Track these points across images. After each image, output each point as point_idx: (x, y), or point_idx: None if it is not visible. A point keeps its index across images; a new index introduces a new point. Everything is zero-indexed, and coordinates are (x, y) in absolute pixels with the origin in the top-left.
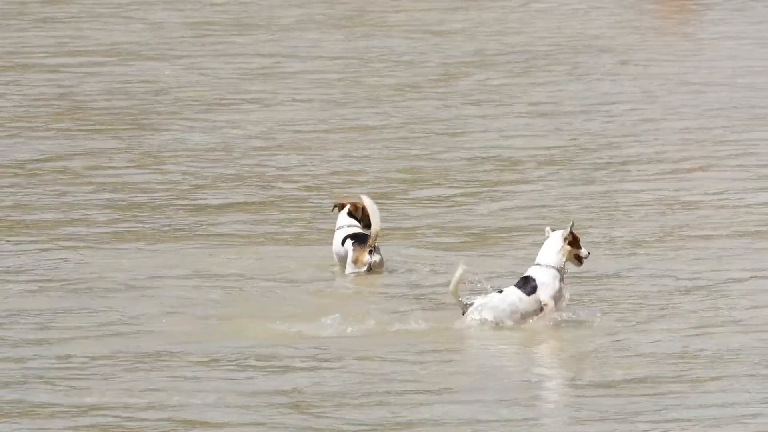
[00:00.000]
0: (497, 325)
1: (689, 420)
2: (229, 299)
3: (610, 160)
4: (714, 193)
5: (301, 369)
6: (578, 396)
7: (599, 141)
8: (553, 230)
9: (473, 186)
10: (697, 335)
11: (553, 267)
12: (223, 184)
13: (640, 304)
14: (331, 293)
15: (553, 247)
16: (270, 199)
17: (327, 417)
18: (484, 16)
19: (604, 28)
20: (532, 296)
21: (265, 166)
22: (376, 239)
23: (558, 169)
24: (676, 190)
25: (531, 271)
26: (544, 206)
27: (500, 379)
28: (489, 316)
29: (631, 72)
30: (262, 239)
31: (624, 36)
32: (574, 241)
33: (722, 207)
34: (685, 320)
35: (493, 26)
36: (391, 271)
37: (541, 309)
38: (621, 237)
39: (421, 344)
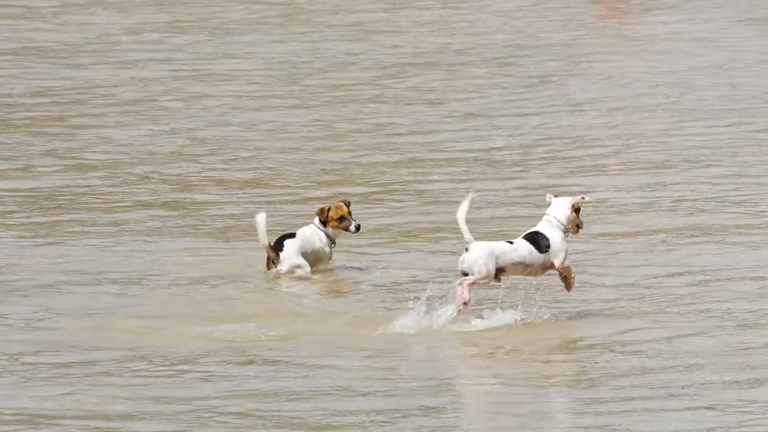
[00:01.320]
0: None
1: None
2: (144, 300)
3: (546, 159)
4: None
5: (214, 374)
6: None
7: (538, 139)
8: (556, 196)
9: (399, 185)
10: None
11: (564, 226)
12: (143, 186)
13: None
14: (248, 296)
15: (564, 208)
16: (189, 200)
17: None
18: (426, 16)
19: (547, 27)
20: (543, 255)
21: (196, 164)
22: (269, 251)
23: (494, 169)
24: (600, 189)
25: (543, 228)
26: (477, 207)
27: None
28: (490, 264)
29: (575, 71)
30: (184, 238)
31: (566, 35)
32: (577, 210)
33: (644, 206)
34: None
35: (434, 26)
36: (325, 272)
37: (551, 266)
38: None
39: (346, 345)
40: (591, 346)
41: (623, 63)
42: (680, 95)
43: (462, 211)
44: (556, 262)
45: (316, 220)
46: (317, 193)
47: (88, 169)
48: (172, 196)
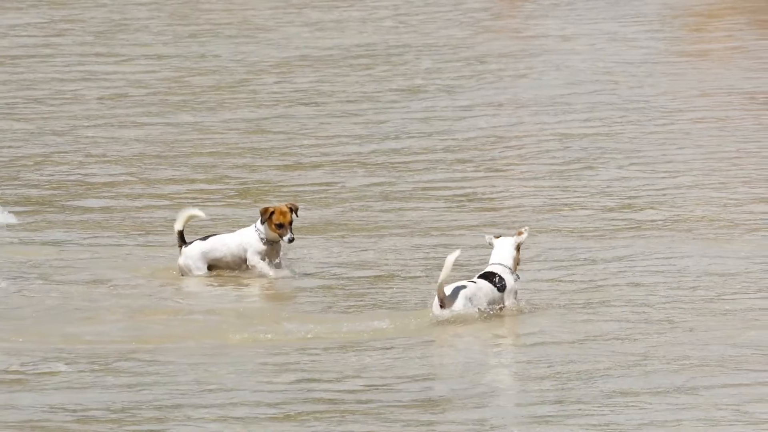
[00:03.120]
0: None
1: None
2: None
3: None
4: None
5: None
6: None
7: (422, 139)
8: (496, 237)
9: (272, 185)
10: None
11: (511, 269)
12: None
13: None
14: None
15: (509, 252)
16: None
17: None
18: (325, 16)
19: (442, 26)
20: (500, 294)
21: (72, 165)
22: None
23: (369, 168)
24: (475, 188)
25: (497, 269)
26: (351, 209)
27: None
28: (466, 304)
29: (471, 70)
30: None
31: (461, 34)
32: (518, 248)
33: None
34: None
35: (328, 26)
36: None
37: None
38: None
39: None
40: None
41: (521, 62)
42: (576, 94)
43: (447, 268)
44: (507, 303)
45: (258, 221)
46: (185, 191)
47: None
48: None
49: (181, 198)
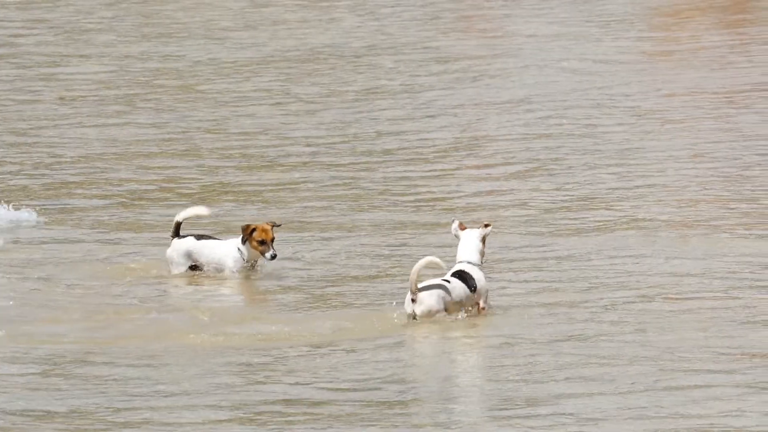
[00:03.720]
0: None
1: None
2: None
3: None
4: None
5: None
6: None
7: (387, 139)
8: (462, 228)
9: (232, 186)
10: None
11: (479, 266)
12: None
13: None
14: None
15: (475, 245)
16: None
17: None
18: (289, 16)
19: (408, 27)
20: (472, 294)
21: (30, 166)
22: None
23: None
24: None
25: (467, 268)
26: (312, 209)
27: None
28: (440, 304)
29: (437, 70)
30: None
31: (425, 34)
32: (483, 240)
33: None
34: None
35: (292, 26)
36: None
37: (477, 306)
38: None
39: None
40: None
41: (486, 62)
42: (541, 93)
43: (421, 265)
44: (482, 303)
45: (240, 240)
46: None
47: None
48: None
49: (141, 199)
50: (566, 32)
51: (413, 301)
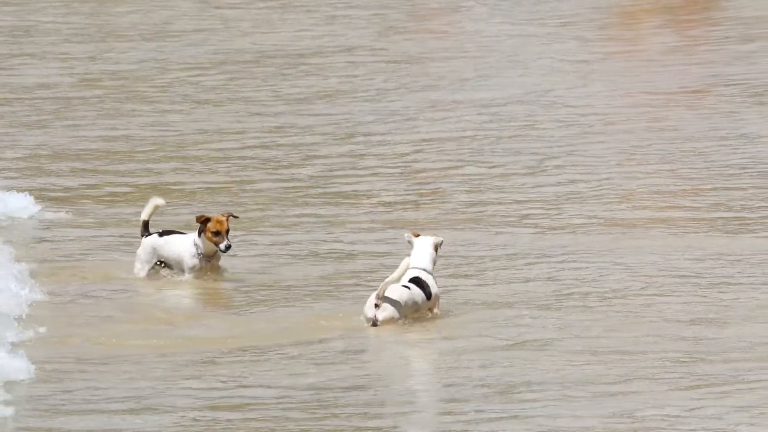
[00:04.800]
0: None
1: None
2: None
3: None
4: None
5: None
6: None
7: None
8: (416, 235)
9: (167, 185)
10: None
11: (432, 274)
12: None
13: None
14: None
15: (429, 253)
16: None
17: None
18: (241, 16)
19: (360, 28)
20: (427, 301)
21: None
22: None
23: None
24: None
25: (422, 275)
26: (256, 209)
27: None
28: (401, 311)
29: (387, 71)
30: None
31: (376, 35)
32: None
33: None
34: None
35: (243, 26)
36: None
37: (430, 310)
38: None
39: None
40: None
41: (437, 62)
42: (492, 94)
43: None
44: (436, 310)
45: (197, 234)
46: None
47: None
48: None
49: (82, 200)
50: (518, 32)
51: (377, 306)
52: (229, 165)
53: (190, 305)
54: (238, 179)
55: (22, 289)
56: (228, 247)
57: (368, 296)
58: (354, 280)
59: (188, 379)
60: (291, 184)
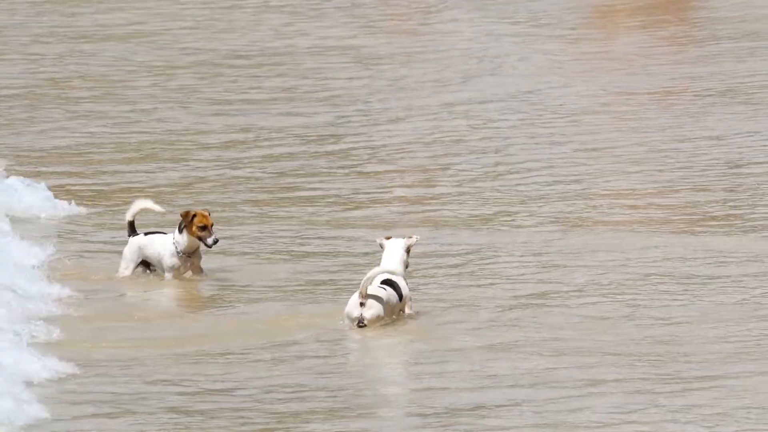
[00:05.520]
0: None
1: None
2: None
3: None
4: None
5: None
6: None
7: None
8: (387, 238)
9: (132, 184)
10: None
11: (404, 276)
12: None
13: None
14: None
15: (399, 255)
16: None
17: None
18: (210, 16)
19: (328, 27)
20: (399, 302)
21: None
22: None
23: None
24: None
25: (393, 277)
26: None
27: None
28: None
29: (354, 71)
30: None
31: (344, 34)
32: (408, 250)
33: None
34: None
35: (216, 26)
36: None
37: (402, 311)
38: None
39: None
40: None
41: (410, 62)
42: (461, 93)
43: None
44: (408, 310)
45: (176, 231)
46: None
47: None
48: None
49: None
50: (492, 31)
51: (362, 305)
52: (188, 166)
53: (166, 305)
54: (200, 179)
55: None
56: (215, 242)
57: (348, 297)
58: (330, 279)
59: (160, 382)
60: (257, 185)
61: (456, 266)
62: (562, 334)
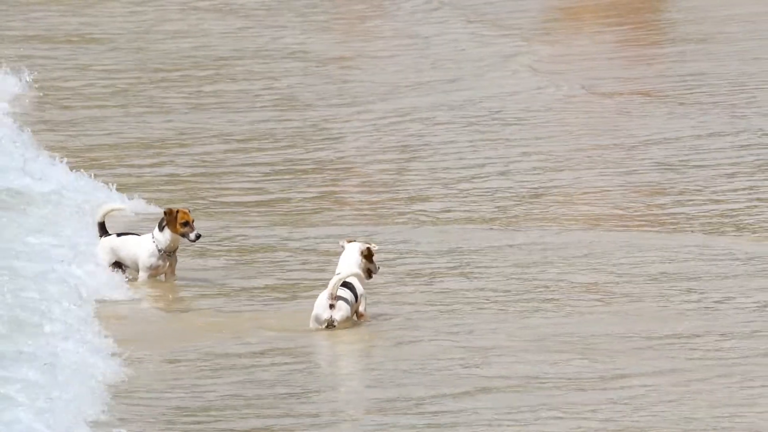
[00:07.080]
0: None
1: None
2: None
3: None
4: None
5: None
6: None
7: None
8: (349, 242)
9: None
10: None
11: (359, 276)
12: None
13: None
14: None
15: (356, 258)
16: None
17: None
18: (158, 18)
19: (279, 29)
20: (356, 302)
21: None
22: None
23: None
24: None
25: (349, 279)
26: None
27: None
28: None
29: (308, 73)
30: None
31: (299, 38)
32: (369, 256)
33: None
34: None
35: (166, 30)
36: None
37: (357, 313)
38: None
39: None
40: None
41: (363, 63)
42: (416, 96)
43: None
44: (362, 308)
45: (156, 229)
46: None
47: None
48: None
49: None
50: (448, 33)
51: (332, 307)
52: (132, 168)
53: (137, 306)
54: (144, 182)
55: None
56: (198, 237)
57: (314, 299)
58: (293, 282)
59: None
60: (204, 193)
61: (438, 266)
62: (547, 332)
